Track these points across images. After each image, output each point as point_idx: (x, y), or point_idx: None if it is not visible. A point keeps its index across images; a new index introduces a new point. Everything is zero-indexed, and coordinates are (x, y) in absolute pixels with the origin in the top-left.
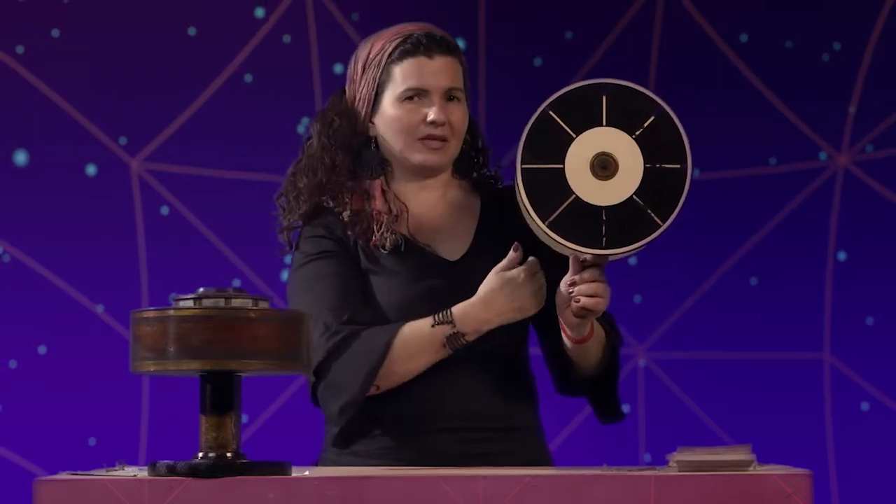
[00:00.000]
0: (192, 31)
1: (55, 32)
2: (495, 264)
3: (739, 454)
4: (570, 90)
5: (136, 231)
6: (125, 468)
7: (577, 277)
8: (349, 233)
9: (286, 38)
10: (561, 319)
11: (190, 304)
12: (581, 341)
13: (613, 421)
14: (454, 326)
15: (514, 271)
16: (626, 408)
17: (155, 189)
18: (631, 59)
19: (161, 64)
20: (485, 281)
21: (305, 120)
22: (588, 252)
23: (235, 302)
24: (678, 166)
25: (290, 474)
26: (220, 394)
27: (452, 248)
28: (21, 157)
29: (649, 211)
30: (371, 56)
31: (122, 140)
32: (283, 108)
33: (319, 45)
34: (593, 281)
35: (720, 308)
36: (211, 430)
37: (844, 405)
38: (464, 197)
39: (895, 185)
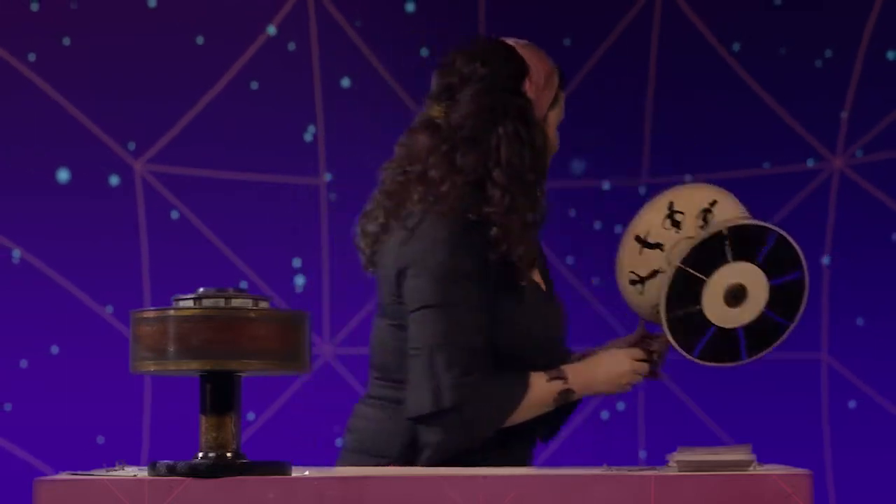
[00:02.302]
0: (199, 39)
1: (66, 40)
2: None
3: (739, 454)
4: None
5: (139, 233)
6: (125, 468)
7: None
8: (491, 254)
9: (291, 46)
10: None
11: (190, 304)
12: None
13: (545, 440)
14: (566, 382)
15: (630, 354)
16: (621, 405)
17: (158, 191)
18: (630, 59)
19: (168, 71)
20: (607, 346)
21: (311, 127)
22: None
23: (235, 302)
24: (798, 275)
25: (290, 474)
26: (220, 394)
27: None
28: (30, 161)
29: (778, 318)
30: (548, 73)
31: (131, 145)
32: (287, 113)
33: (322, 51)
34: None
35: None
36: (211, 430)
37: (842, 405)
38: None
39: (889, 187)
